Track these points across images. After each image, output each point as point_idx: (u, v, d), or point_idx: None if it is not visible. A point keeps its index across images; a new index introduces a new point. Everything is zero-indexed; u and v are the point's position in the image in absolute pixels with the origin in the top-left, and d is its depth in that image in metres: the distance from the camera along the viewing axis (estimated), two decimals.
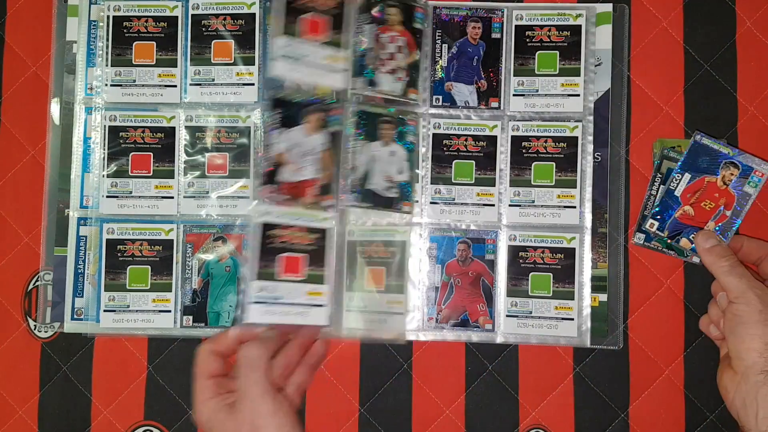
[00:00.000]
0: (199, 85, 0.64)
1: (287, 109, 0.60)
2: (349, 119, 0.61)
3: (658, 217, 0.61)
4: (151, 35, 0.64)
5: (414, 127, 0.63)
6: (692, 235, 0.60)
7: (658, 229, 0.60)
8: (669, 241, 0.60)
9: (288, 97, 0.60)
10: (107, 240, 0.63)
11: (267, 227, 0.59)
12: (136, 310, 0.63)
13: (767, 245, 0.59)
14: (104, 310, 0.63)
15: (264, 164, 0.59)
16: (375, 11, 0.62)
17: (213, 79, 0.64)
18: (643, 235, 0.62)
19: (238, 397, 0.52)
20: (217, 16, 0.64)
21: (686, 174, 0.60)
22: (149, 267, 0.63)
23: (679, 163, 0.60)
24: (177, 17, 0.64)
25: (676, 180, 0.60)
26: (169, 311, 0.63)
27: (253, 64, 0.63)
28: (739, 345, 0.53)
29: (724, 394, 0.55)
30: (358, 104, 0.62)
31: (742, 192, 0.59)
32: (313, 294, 0.59)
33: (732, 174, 0.59)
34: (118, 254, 0.63)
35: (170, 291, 0.63)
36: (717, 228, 0.59)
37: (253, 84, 0.64)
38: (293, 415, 0.52)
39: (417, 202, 0.63)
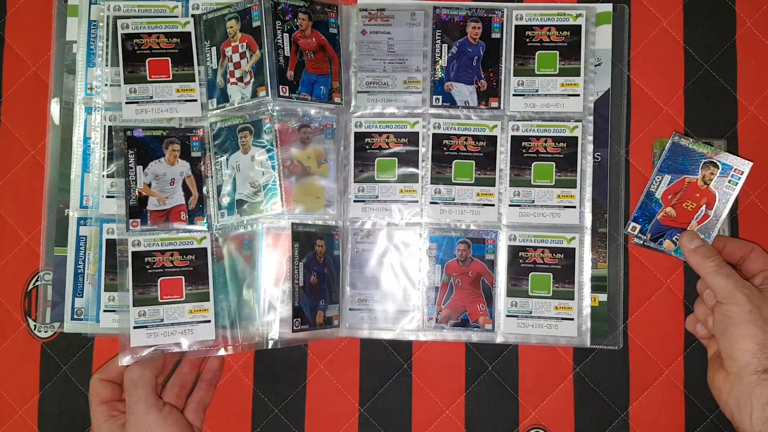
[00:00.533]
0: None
1: (141, 147, 0.62)
2: (210, 142, 0.63)
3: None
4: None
5: (270, 125, 0.62)
6: (676, 237, 0.60)
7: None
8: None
9: (144, 135, 0.63)
10: (107, 240, 0.63)
11: (145, 255, 0.61)
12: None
13: (749, 244, 0.59)
14: (104, 310, 0.62)
15: (129, 199, 0.61)
16: (220, 33, 0.63)
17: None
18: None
19: (126, 416, 0.56)
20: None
21: (666, 175, 0.60)
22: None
23: (658, 165, 0.60)
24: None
25: (656, 182, 0.60)
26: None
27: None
28: (732, 346, 0.52)
29: (717, 395, 0.54)
30: (215, 124, 0.63)
31: (723, 191, 0.59)
32: (196, 312, 0.61)
33: (712, 173, 0.59)
34: (118, 254, 0.63)
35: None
36: (700, 228, 0.59)
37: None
38: (184, 427, 0.57)
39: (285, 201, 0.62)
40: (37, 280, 0.65)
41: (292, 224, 0.61)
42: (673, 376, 0.63)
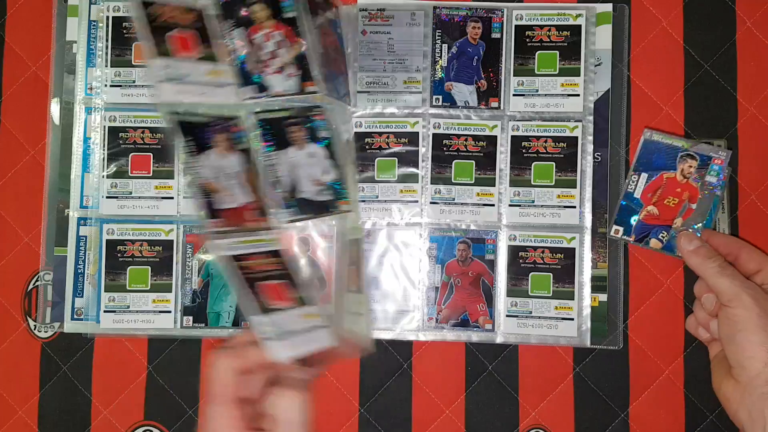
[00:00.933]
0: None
1: (195, 134, 0.53)
2: (253, 133, 0.56)
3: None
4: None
5: (323, 122, 0.59)
6: (661, 235, 0.59)
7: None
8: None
9: (192, 120, 0.53)
10: (107, 240, 0.63)
11: (237, 259, 0.50)
12: (137, 311, 0.63)
13: (738, 241, 0.57)
14: (104, 311, 0.63)
15: (197, 197, 0.51)
16: (241, 13, 0.56)
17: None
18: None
19: None
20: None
21: (642, 174, 0.59)
22: (149, 267, 0.63)
23: (633, 164, 0.59)
24: None
25: (633, 181, 0.59)
26: (170, 311, 0.63)
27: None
28: (741, 354, 0.49)
29: (725, 405, 0.51)
30: (255, 114, 0.57)
31: (704, 182, 0.58)
32: (309, 317, 0.52)
33: (690, 166, 0.58)
34: (118, 254, 0.63)
35: (170, 291, 0.63)
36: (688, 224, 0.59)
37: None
38: None
39: (359, 201, 0.62)
40: (37, 280, 0.65)
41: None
42: (673, 376, 0.63)
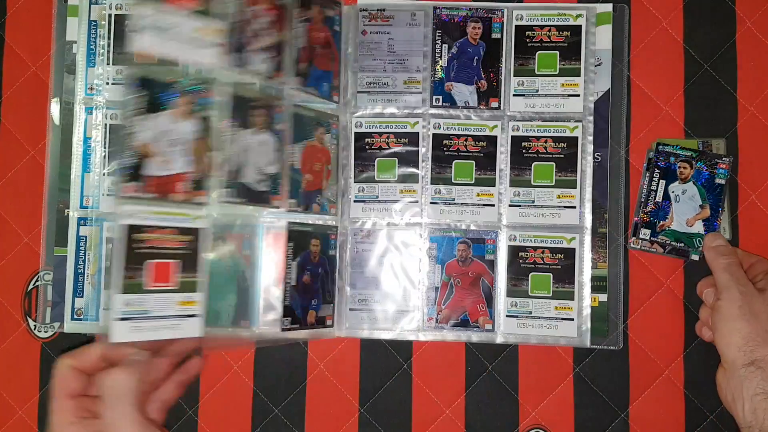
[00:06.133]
0: None
1: (153, 91, 0.50)
2: (221, 103, 0.54)
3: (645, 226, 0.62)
4: None
5: (281, 115, 0.58)
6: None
7: (651, 236, 0.62)
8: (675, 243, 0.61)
9: (156, 77, 0.50)
10: (107, 239, 0.63)
11: (133, 230, 0.50)
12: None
13: (765, 262, 0.59)
14: (104, 309, 0.63)
15: (126, 157, 0.49)
16: None
17: None
18: (648, 231, 0.62)
19: (104, 430, 0.46)
20: None
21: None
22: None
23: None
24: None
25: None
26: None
27: None
28: (721, 341, 0.53)
29: (719, 391, 0.56)
30: (231, 87, 0.55)
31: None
32: (185, 304, 0.52)
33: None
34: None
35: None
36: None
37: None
38: None
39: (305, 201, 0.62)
40: (37, 280, 0.65)
41: (288, 223, 0.61)
42: (673, 376, 0.63)
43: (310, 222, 0.62)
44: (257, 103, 0.57)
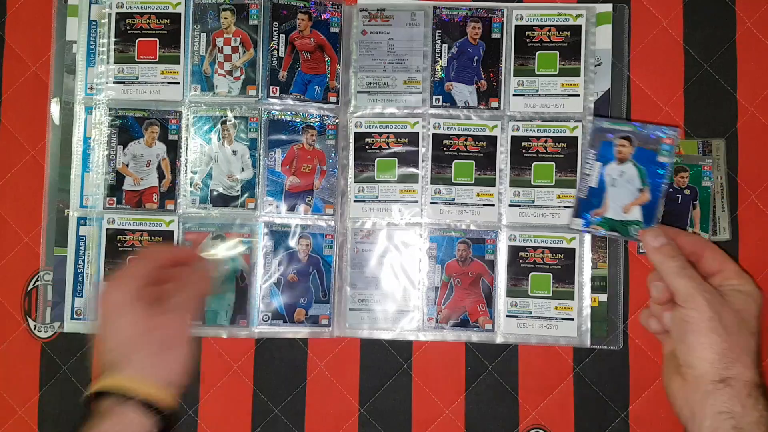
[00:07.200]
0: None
1: (125, 125, 0.64)
2: (191, 126, 0.64)
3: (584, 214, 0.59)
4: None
5: (256, 123, 0.64)
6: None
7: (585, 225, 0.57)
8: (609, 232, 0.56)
9: (132, 115, 0.64)
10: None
11: (115, 233, 0.63)
12: None
13: (703, 241, 0.55)
14: None
15: (107, 177, 0.64)
16: (210, 17, 0.64)
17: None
18: (581, 220, 0.58)
19: (169, 304, 0.49)
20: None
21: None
22: None
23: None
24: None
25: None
26: None
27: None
28: (690, 354, 0.49)
29: (671, 400, 0.52)
30: (198, 111, 0.64)
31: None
32: None
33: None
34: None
35: None
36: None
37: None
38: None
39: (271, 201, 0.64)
40: (37, 280, 0.65)
41: (264, 223, 0.63)
42: None
43: (296, 222, 0.63)
44: (224, 119, 0.64)
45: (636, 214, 0.55)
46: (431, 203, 0.64)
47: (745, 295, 0.51)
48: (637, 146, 0.54)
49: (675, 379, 0.51)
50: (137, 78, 0.64)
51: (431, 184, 0.64)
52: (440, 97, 0.64)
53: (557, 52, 0.64)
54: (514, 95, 0.64)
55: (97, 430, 0.44)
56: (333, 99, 0.64)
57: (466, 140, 0.64)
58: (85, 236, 0.64)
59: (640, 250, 0.62)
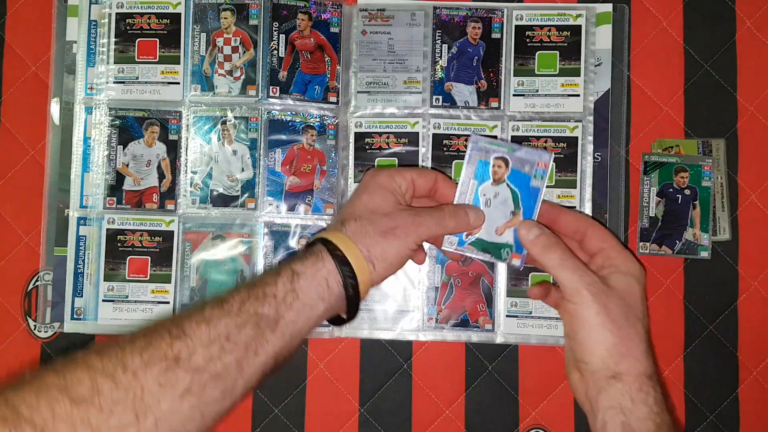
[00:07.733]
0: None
1: (128, 128, 0.64)
2: (191, 126, 0.64)
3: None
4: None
5: (256, 123, 0.64)
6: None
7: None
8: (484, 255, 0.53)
9: (133, 115, 0.64)
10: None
11: (115, 233, 0.63)
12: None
13: (587, 220, 0.53)
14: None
15: (107, 177, 0.64)
16: (210, 17, 0.64)
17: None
18: (456, 239, 0.53)
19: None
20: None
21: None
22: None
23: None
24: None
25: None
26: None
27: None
28: (582, 350, 0.48)
29: (574, 392, 0.51)
30: (198, 111, 0.64)
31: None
32: (156, 292, 0.63)
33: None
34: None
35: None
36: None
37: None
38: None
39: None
40: (37, 280, 0.65)
41: (264, 223, 0.63)
42: (673, 376, 0.63)
43: (296, 222, 0.64)
44: (225, 119, 0.64)
45: (508, 237, 0.53)
46: None
47: (627, 276, 0.50)
48: (513, 168, 0.52)
49: (574, 372, 0.50)
50: (137, 78, 0.64)
51: None
52: (440, 97, 0.64)
53: (557, 52, 0.64)
54: (514, 95, 0.64)
55: (299, 262, 0.47)
56: (333, 99, 0.64)
57: (466, 140, 0.64)
58: (85, 236, 0.64)
59: (640, 251, 0.62)
